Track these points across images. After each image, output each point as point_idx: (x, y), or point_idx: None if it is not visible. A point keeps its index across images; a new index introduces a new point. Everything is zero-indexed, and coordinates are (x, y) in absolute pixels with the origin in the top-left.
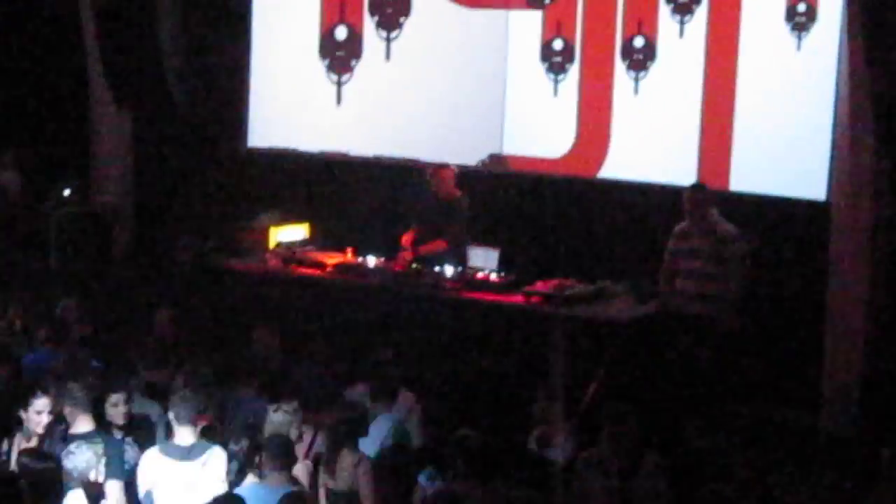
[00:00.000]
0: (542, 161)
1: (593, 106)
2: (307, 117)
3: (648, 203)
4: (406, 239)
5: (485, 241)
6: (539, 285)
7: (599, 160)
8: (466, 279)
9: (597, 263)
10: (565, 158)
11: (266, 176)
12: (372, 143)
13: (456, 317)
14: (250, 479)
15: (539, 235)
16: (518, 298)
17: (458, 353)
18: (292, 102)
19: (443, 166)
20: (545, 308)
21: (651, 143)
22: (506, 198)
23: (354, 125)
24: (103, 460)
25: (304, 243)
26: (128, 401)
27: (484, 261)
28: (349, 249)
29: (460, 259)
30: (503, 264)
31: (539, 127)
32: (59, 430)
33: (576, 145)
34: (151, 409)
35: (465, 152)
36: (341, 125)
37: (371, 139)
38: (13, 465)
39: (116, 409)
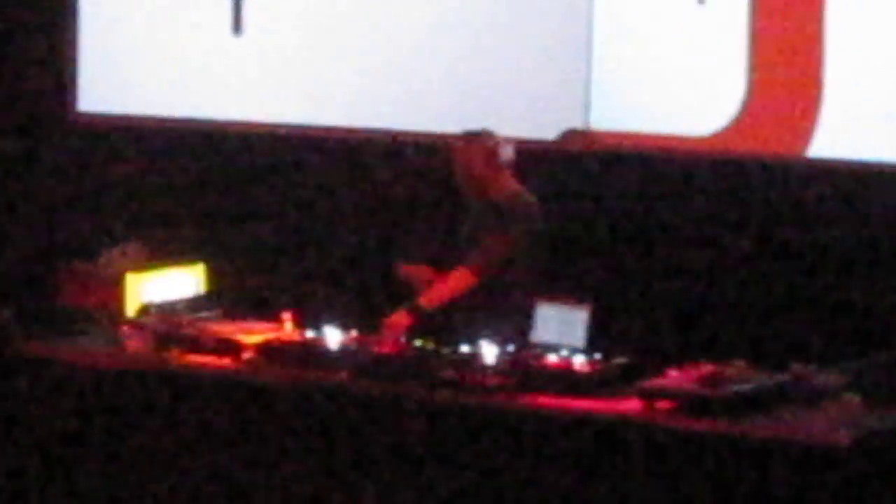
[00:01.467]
0: (676, 139)
1: (782, 30)
2: (185, 58)
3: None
4: (419, 271)
5: (554, 289)
6: (672, 378)
7: (801, 132)
8: (527, 369)
9: (784, 329)
10: (725, 134)
11: (115, 168)
12: (311, 105)
13: (510, 445)
14: None
15: (663, 276)
16: (631, 404)
17: None
18: (155, 32)
19: (471, 136)
20: (687, 423)
21: None
22: (596, 206)
23: (271, 72)
24: None
25: (196, 305)
26: None
27: (558, 331)
28: (286, 315)
29: (518, 319)
30: (596, 336)
31: (665, 76)
32: None
33: (748, 108)
34: None
35: (517, 124)
36: (248, 72)
37: (308, 98)
38: None
39: None
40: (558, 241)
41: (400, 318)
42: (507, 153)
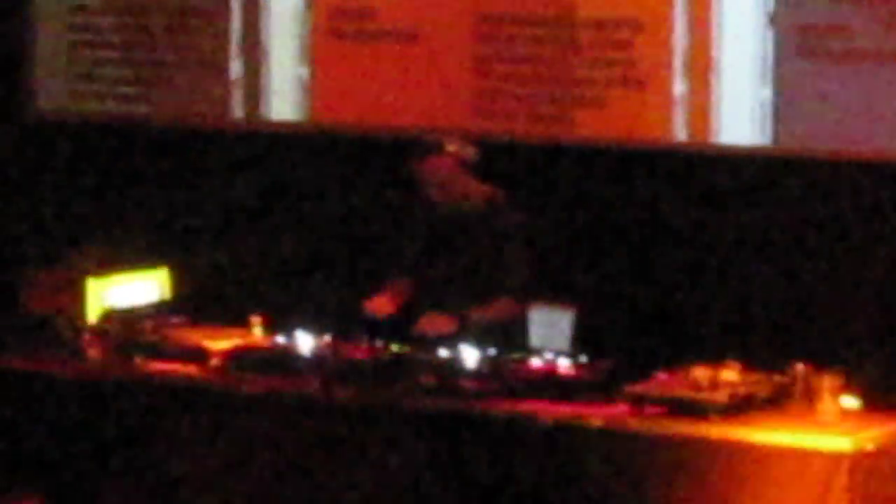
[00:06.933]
0: None
1: None
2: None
3: None
4: (382, 304)
5: (537, 291)
6: (662, 381)
7: None
8: (509, 374)
9: (777, 329)
10: None
11: (75, 171)
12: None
13: (493, 452)
14: None
15: (649, 276)
16: (620, 409)
17: None
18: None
19: (433, 147)
20: (679, 429)
21: None
22: (579, 204)
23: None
24: None
25: (159, 310)
26: None
27: (543, 334)
28: (256, 319)
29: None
30: (581, 339)
31: None
32: None
33: None
34: None
35: None
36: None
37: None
38: None
39: None
40: (541, 241)
41: (443, 321)
42: (471, 154)
